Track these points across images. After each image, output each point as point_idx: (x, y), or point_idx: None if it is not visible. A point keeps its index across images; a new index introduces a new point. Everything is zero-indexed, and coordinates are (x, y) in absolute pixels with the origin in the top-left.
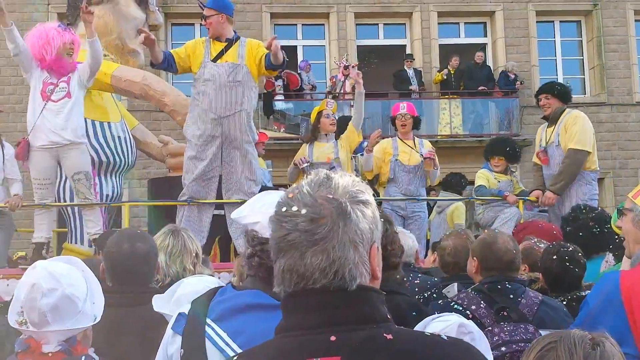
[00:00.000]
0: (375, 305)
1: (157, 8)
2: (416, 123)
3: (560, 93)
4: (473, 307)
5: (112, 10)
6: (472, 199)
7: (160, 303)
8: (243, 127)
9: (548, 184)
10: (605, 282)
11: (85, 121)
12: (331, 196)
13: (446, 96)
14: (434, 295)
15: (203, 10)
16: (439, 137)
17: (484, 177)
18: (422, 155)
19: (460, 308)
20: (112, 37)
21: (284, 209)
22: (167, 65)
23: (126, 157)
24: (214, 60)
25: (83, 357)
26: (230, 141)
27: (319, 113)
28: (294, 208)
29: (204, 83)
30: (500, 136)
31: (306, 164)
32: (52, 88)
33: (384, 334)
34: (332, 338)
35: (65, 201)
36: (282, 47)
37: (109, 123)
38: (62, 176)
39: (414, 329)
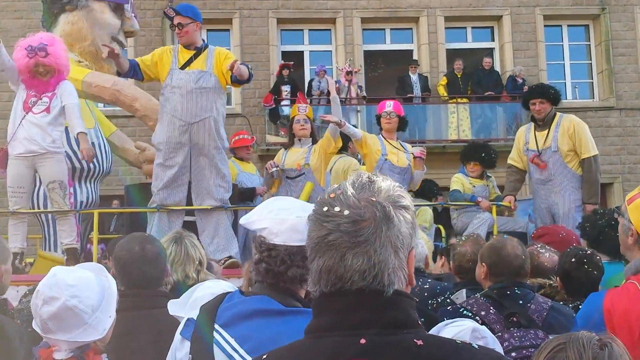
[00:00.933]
0: (407, 311)
1: (133, 14)
2: (402, 124)
3: (555, 96)
4: (482, 312)
5: (86, 16)
6: (445, 205)
7: (175, 307)
8: (211, 134)
9: (584, 196)
10: (590, 301)
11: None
12: (374, 199)
13: (453, 100)
14: (447, 300)
15: (172, 18)
16: (447, 142)
17: (459, 181)
18: (412, 154)
19: (470, 314)
20: (86, 43)
21: (325, 209)
22: (132, 73)
23: (100, 163)
24: (182, 67)
25: None
26: (199, 148)
27: (292, 119)
28: (337, 208)
29: (172, 90)
30: (476, 142)
31: (275, 169)
32: (34, 100)
33: (415, 340)
34: (362, 341)
35: (39, 208)
36: (289, 53)
37: None
38: (36, 184)
39: None
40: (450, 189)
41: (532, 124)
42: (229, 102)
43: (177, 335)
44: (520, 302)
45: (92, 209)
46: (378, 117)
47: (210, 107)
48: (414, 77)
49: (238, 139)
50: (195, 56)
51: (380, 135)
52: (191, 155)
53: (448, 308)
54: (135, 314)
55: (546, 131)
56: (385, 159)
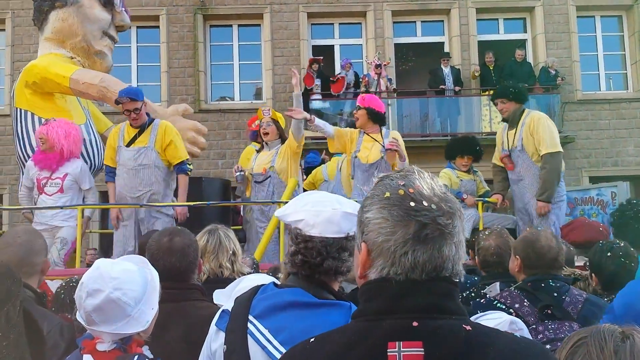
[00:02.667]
0: (456, 299)
1: (123, 9)
2: (373, 116)
3: (515, 95)
4: (517, 305)
5: (76, 12)
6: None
7: (221, 297)
8: (153, 209)
9: (537, 192)
10: (629, 289)
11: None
12: (447, 194)
13: (486, 93)
14: (472, 294)
15: (122, 103)
16: (480, 134)
17: (446, 176)
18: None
19: (504, 306)
20: (77, 39)
21: (412, 204)
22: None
23: (92, 159)
24: (127, 145)
25: (136, 357)
26: (142, 221)
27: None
28: (425, 203)
29: (120, 168)
30: (465, 135)
31: (238, 173)
32: (45, 182)
33: (464, 325)
34: (415, 324)
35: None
36: (319, 47)
37: None
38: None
39: None
40: None
41: (506, 123)
42: (260, 97)
43: (212, 326)
44: (555, 294)
45: (75, 206)
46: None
47: (150, 182)
48: (446, 70)
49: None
50: (140, 133)
51: (363, 131)
52: (137, 226)
53: (481, 301)
54: (167, 306)
55: (514, 130)
56: (356, 157)
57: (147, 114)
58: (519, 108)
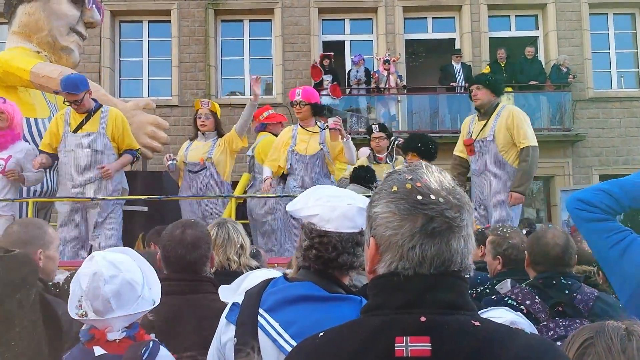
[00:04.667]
0: (465, 294)
1: (93, 5)
2: (315, 110)
3: (492, 84)
4: (527, 302)
5: (43, 7)
6: None
7: (226, 293)
8: (106, 193)
9: (514, 183)
10: None
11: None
12: (455, 187)
13: None
14: (487, 290)
15: (65, 94)
16: None
17: None
18: (327, 126)
19: (515, 303)
20: (43, 33)
21: (419, 198)
22: (55, 159)
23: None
24: (74, 131)
25: (151, 343)
26: (93, 206)
27: (195, 112)
28: (432, 197)
29: (65, 154)
30: (415, 132)
31: (170, 162)
32: None
33: (472, 321)
34: (422, 319)
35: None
36: (330, 43)
37: (35, 119)
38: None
39: None
40: None
41: (477, 114)
42: (270, 92)
43: (223, 319)
44: (567, 291)
45: (27, 198)
46: (291, 104)
47: (96, 171)
48: (457, 67)
49: (272, 114)
50: (87, 119)
51: (298, 124)
52: (87, 214)
53: (492, 297)
54: (179, 298)
55: (485, 121)
56: (293, 150)
57: (94, 99)
58: (494, 100)
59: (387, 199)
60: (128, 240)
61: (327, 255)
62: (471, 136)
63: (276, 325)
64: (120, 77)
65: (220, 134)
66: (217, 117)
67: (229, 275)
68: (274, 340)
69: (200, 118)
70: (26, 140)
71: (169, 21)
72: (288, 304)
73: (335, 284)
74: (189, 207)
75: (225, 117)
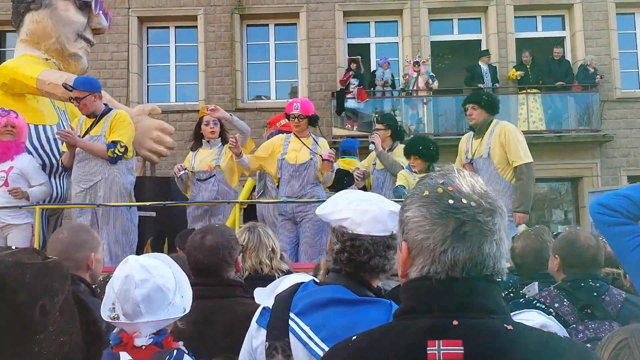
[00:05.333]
0: (498, 298)
1: (101, 12)
2: (312, 121)
3: (488, 104)
4: (556, 304)
5: (50, 14)
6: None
7: (261, 296)
8: (105, 196)
9: (513, 203)
10: None
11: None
12: (487, 191)
13: (523, 91)
14: (511, 294)
15: (71, 91)
16: None
17: (403, 177)
18: (320, 156)
19: (543, 306)
20: (51, 41)
21: (451, 202)
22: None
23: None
24: (83, 135)
25: (175, 351)
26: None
27: (200, 119)
28: (464, 200)
29: (75, 158)
30: (418, 135)
31: (183, 172)
32: None
33: (505, 325)
34: (455, 322)
35: None
36: (355, 45)
37: (44, 126)
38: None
39: None
40: (395, 185)
41: (472, 132)
42: (296, 96)
43: (253, 324)
44: (595, 294)
45: (34, 205)
46: (287, 116)
47: (98, 171)
48: (484, 68)
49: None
50: (95, 123)
51: (293, 133)
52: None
53: (520, 300)
54: (209, 303)
55: (480, 139)
56: (283, 158)
57: (106, 105)
58: (488, 118)
59: (419, 203)
60: (137, 245)
61: (359, 258)
62: (467, 156)
63: (307, 329)
64: (147, 82)
65: (225, 140)
66: (222, 123)
67: (261, 279)
68: (305, 344)
69: (208, 125)
70: (34, 147)
71: (196, 26)
72: (318, 307)
73: (366, 287)
74: (191, 218)
75: (251, 121)
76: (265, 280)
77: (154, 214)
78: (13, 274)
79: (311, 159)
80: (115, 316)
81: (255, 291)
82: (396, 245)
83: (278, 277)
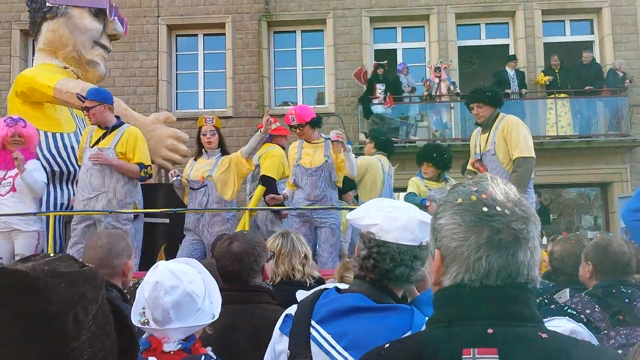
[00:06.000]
0: (531, 306)
1: (116, 17)
2: (314, 124)
3: (492, 100)
4: (588, 311)
5: (66, 23)
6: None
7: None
8: (105, 208)
9: None
10: None
11: (37, 132)
12: (520, 199)
13: (552, 96)
14: (546, 300)
15: (84, 102)
16: (545, 138)
17: (414, 184)
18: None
19: (575, 312)
20: (67, 49)
21: (485, 209)
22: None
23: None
24: (92, 146)
25: (203, 357)
26: (95, 222)
27: (199, 129)
28: (498, 208)
29: (81, 168)
30: (430, 142)
31: (175, 178)
32: None
33: (539, 333)
34: (490, 331)
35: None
36: (382, 51)
37: (61, 134)
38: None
39: None
40: (406, 192)
41: (480, 127)
42: (322, 102)
43: (276, 330)
44: (627, 300)
45: (48, 212)
46: (291, 128)
47: (102, 184)
48: (511, 73)
49: (279, 127)
50: (105, 135)
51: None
52: (92, 228)
53: (551, 307)
54: (234, 308)
55: (487, 134)
56: (298, 164)
57: (118, 118)
58: (494, 112)
59: (452, 210)
60: (150, 251)
61: (384, 266)
62: (476, 151)
63: (328, 337)
64: (176, 89)
65: (223, 151)
66: (221, 133)
67: (293, 285)
68: (327, 353)
69: (205, 135)
70: (51, 155)
71: (224, 34)
72: (339, 315)
73: (388, 294)
74: (190, 225)
75: None
76: (297, 286)
77: (167, 220)
78: (48, 283)
79: (326, 161)
80: (145, 321)
81: (297, 293)
82: (424, 257)
83: (309, 283)
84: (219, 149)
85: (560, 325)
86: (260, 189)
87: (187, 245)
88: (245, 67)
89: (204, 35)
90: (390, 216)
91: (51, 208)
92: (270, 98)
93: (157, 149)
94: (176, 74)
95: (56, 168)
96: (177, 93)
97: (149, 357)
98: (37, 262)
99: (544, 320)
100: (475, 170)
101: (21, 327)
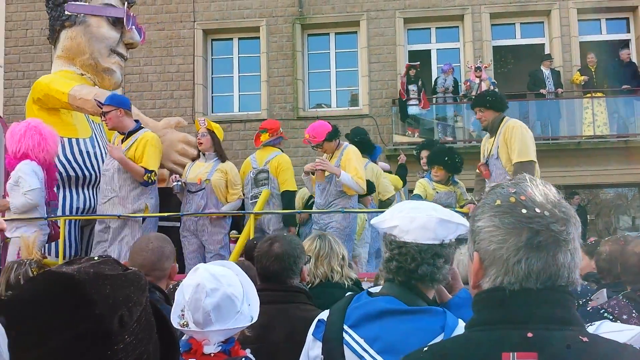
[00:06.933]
0: (572, 309)
1: (133, 27)
2: (330, 138)
3: (493, 103)
4: (625, 316)
5: (84, 31)
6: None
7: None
8: (115, 212)
9: None
10: None
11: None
12: (559, 200)
13: (587, 95)
14: (588, 302)
15: (102, 108)
16: (581, 137)
17: (421, 186)
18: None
19: (611, 317)
20: (85, 56)
21: (524, 211)
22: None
23: (96, 171)
24: None
25: (243, 359)
26: (109, 225)
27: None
28: (537, 210)
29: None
30: (442, 145)
31: (175, 183)
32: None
33: (580, 337)
34: (529, 334)
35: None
36: (416, 52)
37: (77, 139)
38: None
39: None
40: (413, 194)
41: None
42: (356, 104)
43: (309, 336)
44: None
45: (59, 216)
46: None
47: (114, 187)
48: (546, 72)
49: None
50: (123, 140)
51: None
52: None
53: (588, 309)
54: (271, 308)
55: (493, 138)
56: (309, 177)
57: (137, 122)
58: (499, 116)
59: (491, 212)
60: None
61: (406, 266)
62: (484, 155)
63: (361, 341)
64: (212, 93)
65: (220, 155)
66: (215, 136)
67: (332, 286)
68: (360, 357)
69: (197, 137)
70: (67, 160)
71: (258, 37)
72: (371, 319)
73: (418, 296)
74: (185, 227)
75: None
76: (335, 287)
77: (178, 224)
78: (94, 285)
79: (330, 175)
80: (185, 323)
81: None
82: (447, 254)
83: (347, 285)
84: (215, 152)
85: (632, 327)
86: (265, 192)
87: (192, 249)
88: (280, 70)
89: (239, 39)
90: (409, 217)
91: (67, 212)
92: (304, 100)
93: (168, 154)
94: (212, 77)
95: (72, 173)
96: (212, 96)
97: (189, 359)
98: (82, 265)
99: (594, 324)
100: (480, 172)
101: (70, 333)
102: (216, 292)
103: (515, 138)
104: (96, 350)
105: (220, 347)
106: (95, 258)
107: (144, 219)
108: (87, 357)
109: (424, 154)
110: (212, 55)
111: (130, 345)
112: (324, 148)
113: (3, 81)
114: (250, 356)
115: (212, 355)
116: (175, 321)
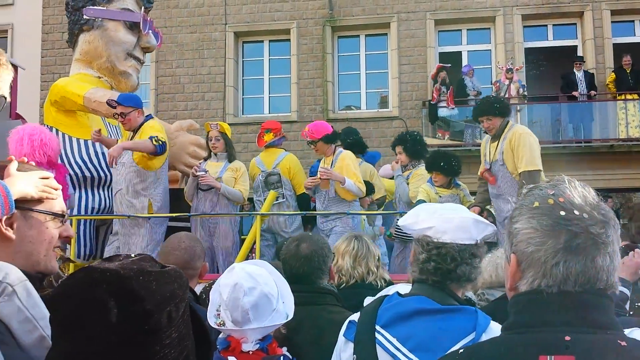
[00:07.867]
0: (610, 313)
1: (150, 31)
2: (327, 140)
3: (501, 110)
4: None
5: (101, 35)
6: (402, 213)
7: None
8: (123, 206)
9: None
10: None
11: (70, 139)
12: (599, 202)
13: (622, 97)
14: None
15: (114, 107)
16: (615, 140)
17: (424, 191)
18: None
19: None
20: (102, 60)
21: (562, 213)
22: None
23: (110, 172)
24: None
25: (282, 358)
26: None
27: (207, 134)
28: (576, 212)
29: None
30: (438, 150)
31: (202, 172)
32: None
33: (618, 341)
34: (567, 338)
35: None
36: (446, 54)
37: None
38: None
39: None
40: (416, 199)
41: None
42: (386, 106)
43: (341, 337)
44: None
45: (70, 216)
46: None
47: (120, 181)
48: (579, 74)
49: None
50: (132, 137)
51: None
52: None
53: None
54: (298, 309)
55: (496, 143)
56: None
57: (147, 115)
58: (504, 121)
59: (529, 214)
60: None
61: (445, 266)
62: (486, 160)
63: (394, 340)
64: (243, 95)
65: (230, 155)
66: (228, 137)
67: (364, 287)
68: (394, 356)
69: (211, 140)
70: (83, 161)
71: (289, 40)
72: (403, 319)
73: (450, 295)
74: (198, 225)
75: None
76: (368, 288)
77: (189, 224)
78: (139, 281)
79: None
80: (221, 322)
81: (366, 299)
82: (481, 254)
83: (381, 286)
84: (227, 152)
85: None
86: (272, 193)
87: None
88: (310, 72)
89: (270, 41)
90: (444, 217)
91: (82, 212)
92: (334, 102)
93: (179, 156)
94: (242, 79)
95: (87, 174)
96: (243, 98)
97: (229, 357)
98: (123, 262)
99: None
100: (485, 179)
101: (118, 330)
102: (254, 291)
103: (523, 146)
104: (145, 345)
105: (258, 345)
106: (133, 255)
107: (148, 219)
108: (136, 354)
109: (398, 149)
110: (243, 58)
111: (175, 340)
112: (317, 147)
113: (20, 83)
114: (288, 354)
115: (251, 352)
116: (211, 320)
